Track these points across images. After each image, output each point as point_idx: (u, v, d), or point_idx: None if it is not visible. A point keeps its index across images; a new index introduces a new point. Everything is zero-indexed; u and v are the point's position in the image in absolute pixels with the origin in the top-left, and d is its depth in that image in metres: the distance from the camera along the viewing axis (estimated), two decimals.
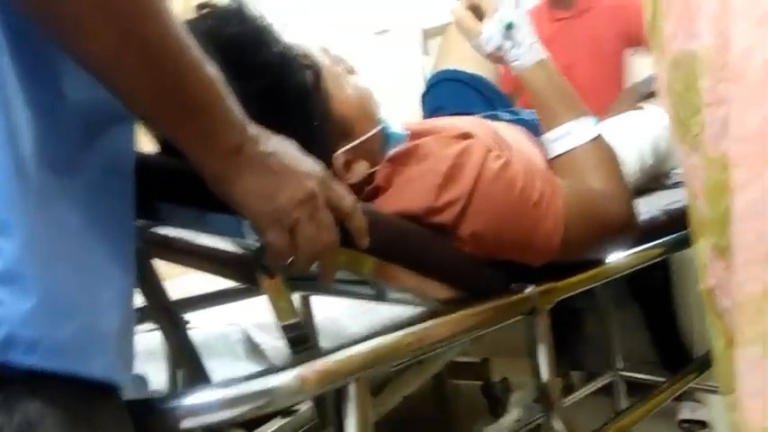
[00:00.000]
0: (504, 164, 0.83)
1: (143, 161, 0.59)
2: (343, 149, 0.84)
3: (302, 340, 0.66)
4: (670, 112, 0.69)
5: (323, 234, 0.60)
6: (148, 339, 1.12)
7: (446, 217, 0.80)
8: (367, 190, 0.87)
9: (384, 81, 3.02)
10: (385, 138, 0.90)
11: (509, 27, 0.91)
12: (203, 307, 1.21)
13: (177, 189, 0.65)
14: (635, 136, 1.32)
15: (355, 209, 0.63)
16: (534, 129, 1.05)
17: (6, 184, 0.44)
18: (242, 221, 0.61)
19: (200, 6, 0.80)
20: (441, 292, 0.82)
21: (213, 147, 0.54)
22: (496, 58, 0.94)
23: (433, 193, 0.80)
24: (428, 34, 3.12)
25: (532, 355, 0.88)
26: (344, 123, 0.84)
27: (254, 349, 1.40)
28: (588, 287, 0.95)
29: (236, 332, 1.38)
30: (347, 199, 0.63)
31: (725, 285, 0.64)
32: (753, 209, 0.56)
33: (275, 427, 1.38)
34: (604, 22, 2.14)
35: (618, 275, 1.01)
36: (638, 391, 1.64)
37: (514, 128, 1.07)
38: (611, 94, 2.12)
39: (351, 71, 0.90)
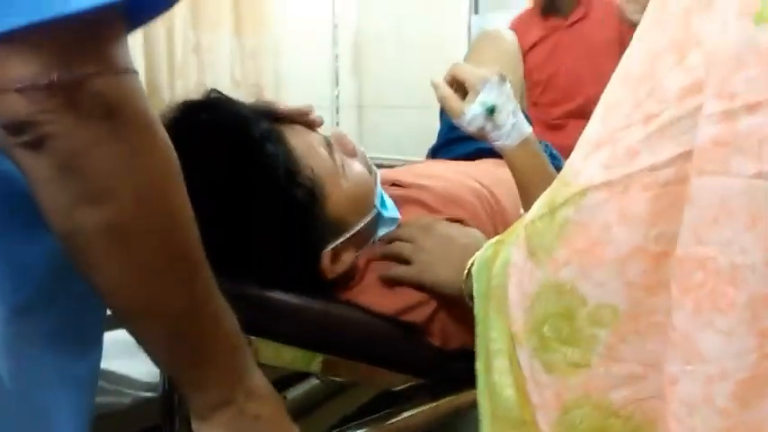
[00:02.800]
0: None
1: None
2: (332, 246, 0.82)
3: None
4: (518, 316, 0.58)
5: None
6: None
7: (417, 316, 0.81)
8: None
9: (429, 41, 2.94)
10: (377, 220, 0.89)
11: (491, 111, 0.88)
12: None
13: None
14: None
15: None
16: None
17: None
18: None
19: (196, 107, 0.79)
20: (393, 380, 0.83)
21: (202, 394, 0.54)
22: (480, 136, 0.91)
23: (405, 294, 0.81)
24: None
25: None
26: (337, 222, 0.83)
27: None
28: None
29: None
30: None
31: None
32: None
33: None
34: (598, 30, 2.06)
35: None
36: None
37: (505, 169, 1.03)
38: None
39: (352, 154, 0.88)
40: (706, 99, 0.46)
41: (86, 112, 0.43)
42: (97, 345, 0.59)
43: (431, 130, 2.19)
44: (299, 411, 1.03)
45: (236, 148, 0.75)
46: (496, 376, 0.61)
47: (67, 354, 0.54)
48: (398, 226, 0.88)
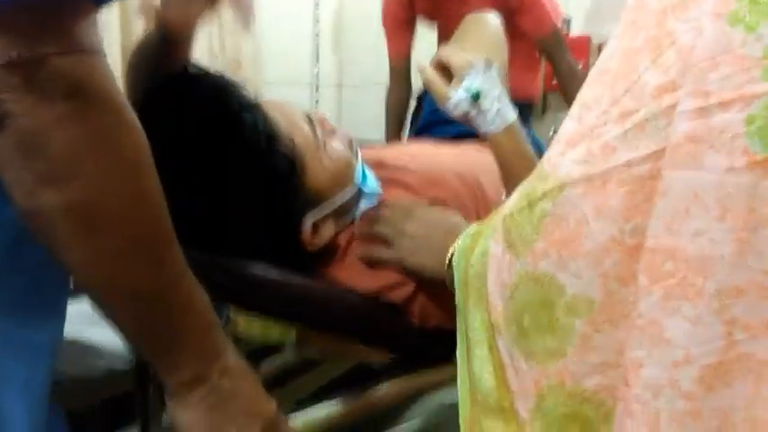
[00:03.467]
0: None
1: None
2: (312, 218, 0.84)
3: None
4: (497, 305, 0.60)
5: None
6: None
7: (397, 296, 0.82)
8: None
9: None
10: (358, 196, 0.90)
11: (476, 97, 0.89)
12: None
13: None
14: None
15: None
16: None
17: None
18: None
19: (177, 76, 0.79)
20: (369, 355, 0.84)
21: (175, 373, 0.54)
22: (464, 121, 0.92)
23: (385, 273, 0.82)
24: None
25: None
26: (317, 194, 0.84)
27: None
28: None
29: None
30: None
31: None
32: None
33: None
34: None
35: None
36: None
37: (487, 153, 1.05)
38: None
39: (331, 133, 0.89)
40: (681, 97, 0.48)
41: (47, 92, 0.43)
42: (59, 314, 0.59)
43: (409, 111, 2.19)
44: (272, 384, 1.04)
45: (216, 117, 0.76)
46: (477, 365, 0.63)
47: (26, 323, 0.54)
48: (380, 204, 0.89)
